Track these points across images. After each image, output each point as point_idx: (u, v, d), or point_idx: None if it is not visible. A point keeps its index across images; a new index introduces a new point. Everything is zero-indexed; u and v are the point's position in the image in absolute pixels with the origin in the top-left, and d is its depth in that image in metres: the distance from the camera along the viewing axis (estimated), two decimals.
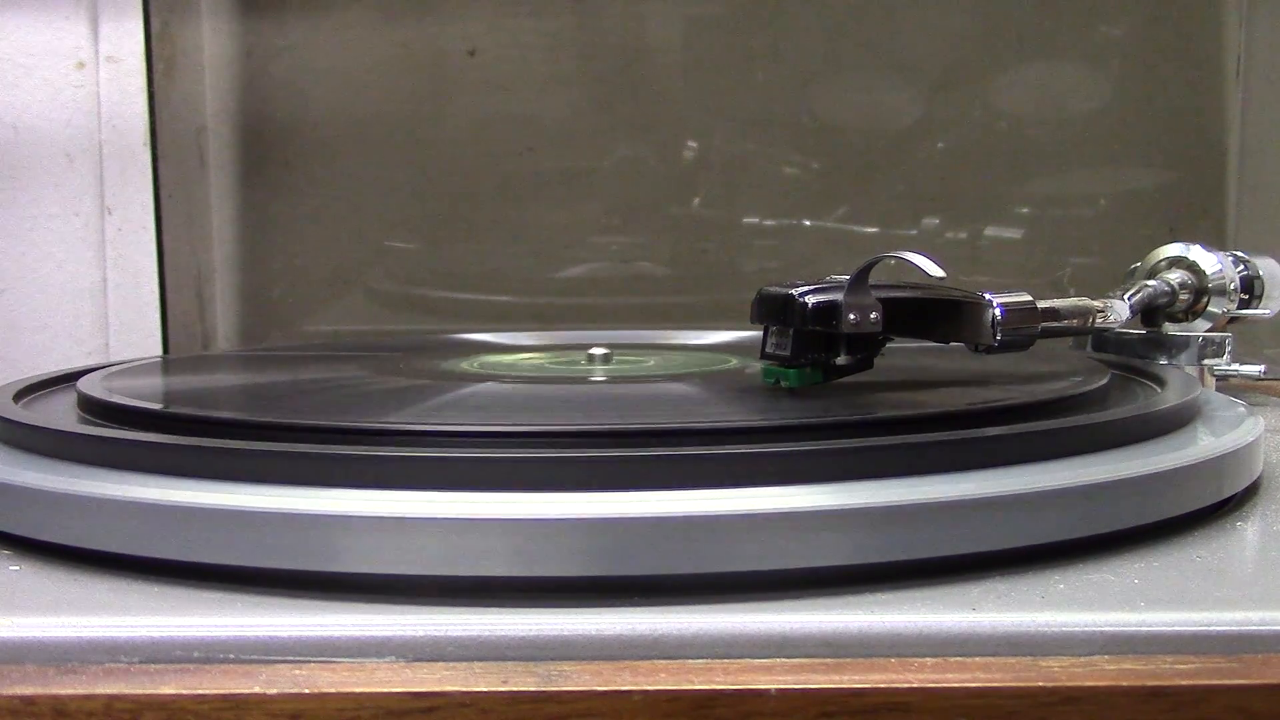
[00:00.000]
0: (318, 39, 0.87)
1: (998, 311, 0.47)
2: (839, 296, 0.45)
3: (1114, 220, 0.89)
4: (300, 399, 0.52)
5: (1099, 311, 0.55)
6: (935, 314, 0.48)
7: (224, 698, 0.30)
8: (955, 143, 0.89)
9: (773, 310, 0.46)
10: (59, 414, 0.48)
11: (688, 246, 0.89)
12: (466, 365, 0.58)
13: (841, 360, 0.47)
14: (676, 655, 0.31)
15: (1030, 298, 0.48)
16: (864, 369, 0.48)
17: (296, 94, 0.87)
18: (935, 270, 0.44)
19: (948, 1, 0.88)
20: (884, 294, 0.46)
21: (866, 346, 0.47)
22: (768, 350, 0.47)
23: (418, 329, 0.89)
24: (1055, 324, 0.51)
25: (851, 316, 0.45)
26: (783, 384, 0.47)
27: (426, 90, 0.88)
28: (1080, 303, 0.54)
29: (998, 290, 0.48)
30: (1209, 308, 0.62)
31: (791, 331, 0.46)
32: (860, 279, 0.45)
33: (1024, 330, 0.48)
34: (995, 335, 0.47)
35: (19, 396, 0.50)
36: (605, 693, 0.30)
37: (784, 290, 0.46)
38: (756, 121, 0.88)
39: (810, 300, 0.45)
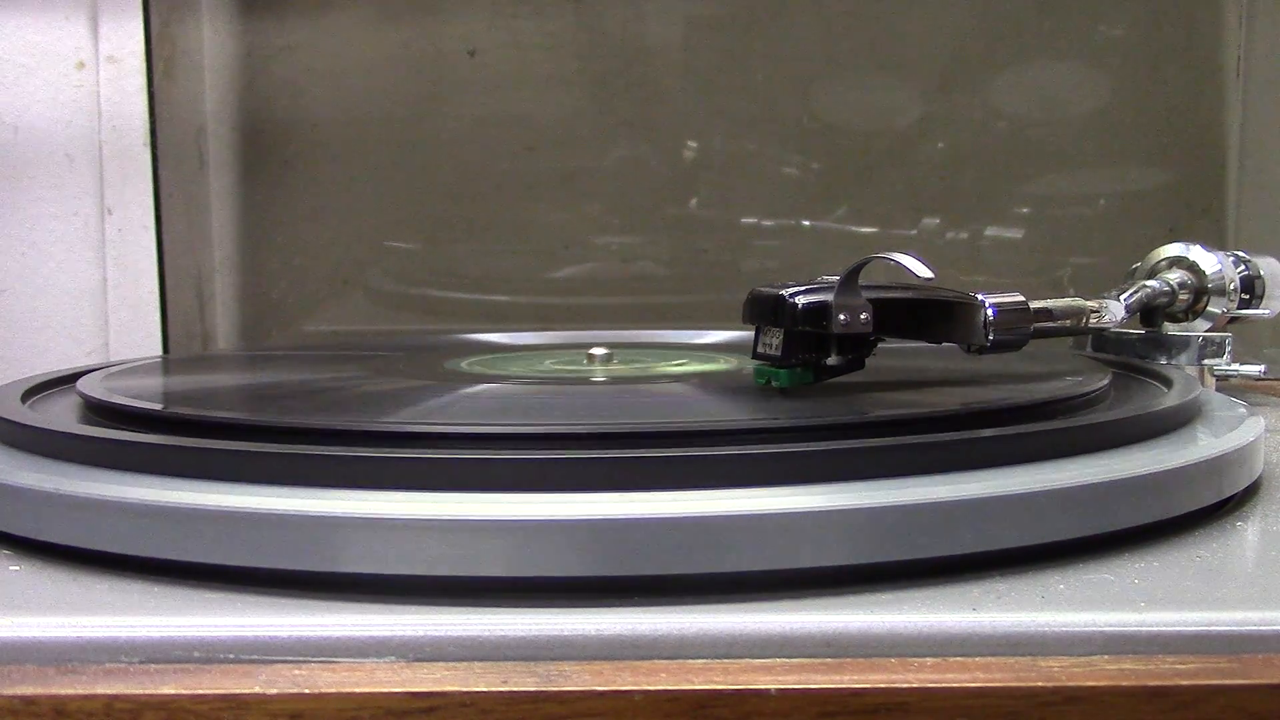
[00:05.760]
0: (318, 39, 0.87)
1: (990, 312, 0.47)
2: (829, 297, 0.45)
3: (1114, 220, 0.89)
4: (300, 399, 0.52)
5: (1093, 311, 0.55)
6: (927, 314, 0.48)
7: (224, 698, 0.30)
8: (955, 143, 0.89)
9: (764, 311, 0.46)
10: (59, 414, 0.48)
11: (687, 246, 0.89)
12: (466, 365, 0.58)
13: (832, 361, 0.47)
14: (676, 655, 0.31)
15: (1023, 298, 0.48)
16: (855, 369, 0.48)
17: (296, 94, 0.87)
18: (924, 271, 0.45)
19: (947, 1, 0.88)
20: (875, 294, 0.46)
21: (857, 347, 0.48)
22: (759, 351, 0.47)
23: (418, 329, 0.89)
24: (1049, 324, 0.51)
25: (841, 317, 0.45)
26: (774, 384, 0.47)
27: (426, 90, 0.88)
28: (1074, 303, 0.54)
29: (991, 290, 0.48)
30: (1209, 308, 0.62)
31: (782, 332, 0.46)
32: (850, 280, 0.45)
33: (1017, 330, 0.48)
34: (988, 335, 0.47)
35: (25, 397, 0.50)
36: (605, 693, 0.30)
37: (775, 291, 0.46)
38: (756, 121, 0.88)
39: (800, 301, 0.45)
